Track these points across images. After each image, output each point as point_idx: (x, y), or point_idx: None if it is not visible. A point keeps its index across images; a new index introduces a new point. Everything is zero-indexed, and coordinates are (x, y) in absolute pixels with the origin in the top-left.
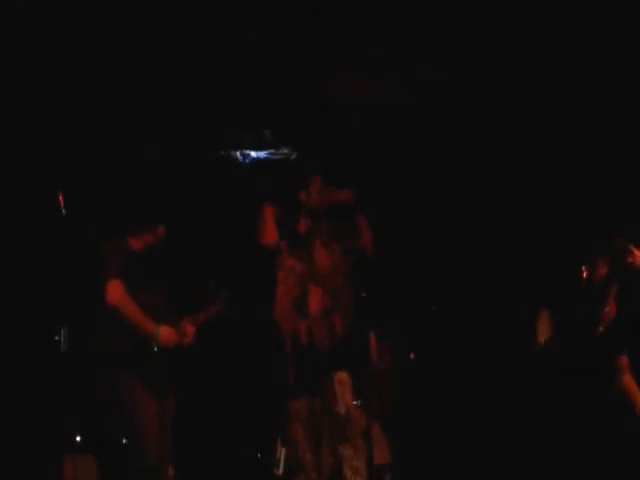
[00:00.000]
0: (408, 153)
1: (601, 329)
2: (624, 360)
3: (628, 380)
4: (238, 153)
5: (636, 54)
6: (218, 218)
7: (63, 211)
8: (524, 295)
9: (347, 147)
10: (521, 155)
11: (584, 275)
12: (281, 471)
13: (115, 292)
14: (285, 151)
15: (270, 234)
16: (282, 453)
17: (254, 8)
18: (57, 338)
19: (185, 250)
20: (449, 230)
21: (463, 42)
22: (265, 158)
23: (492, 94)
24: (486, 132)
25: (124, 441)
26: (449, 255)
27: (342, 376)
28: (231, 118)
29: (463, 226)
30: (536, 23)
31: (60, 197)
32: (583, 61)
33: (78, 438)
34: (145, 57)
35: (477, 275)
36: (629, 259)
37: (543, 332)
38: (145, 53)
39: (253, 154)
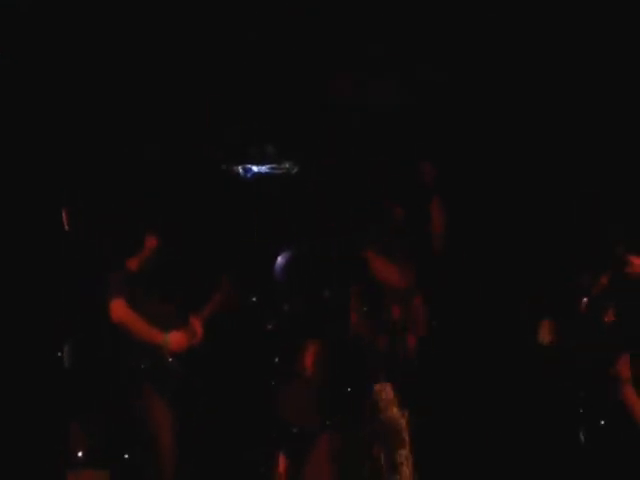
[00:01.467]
0: (408, 153)
1: (601, 338)
2: (625, 371)
3: (629, 392)
4: (240, 168)
5: (636, 54)
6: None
7: (66, 227)
8: (525, 298)
9: (347, 147)
10: (521, 155)
11: (585, 285)
12: None
13: (118, 310)
14: (287, 165)
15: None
16: (284, 466)
17: (254, 8)
18: (60, 354)
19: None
20: (449, 231)
21: (463, 42)
22: (267, 173)
23: (492, 94)
24: (486, 132)
25: (126, 456)
26: (448, 256)
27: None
28: (230, 120)
29: (463, 226)
30: (536, 23)
31: (64, 213)
32: (583, 61)
33: (80, 454)
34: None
35: (477, 277)
36: (628, 269)
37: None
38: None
39: (255, 169)
